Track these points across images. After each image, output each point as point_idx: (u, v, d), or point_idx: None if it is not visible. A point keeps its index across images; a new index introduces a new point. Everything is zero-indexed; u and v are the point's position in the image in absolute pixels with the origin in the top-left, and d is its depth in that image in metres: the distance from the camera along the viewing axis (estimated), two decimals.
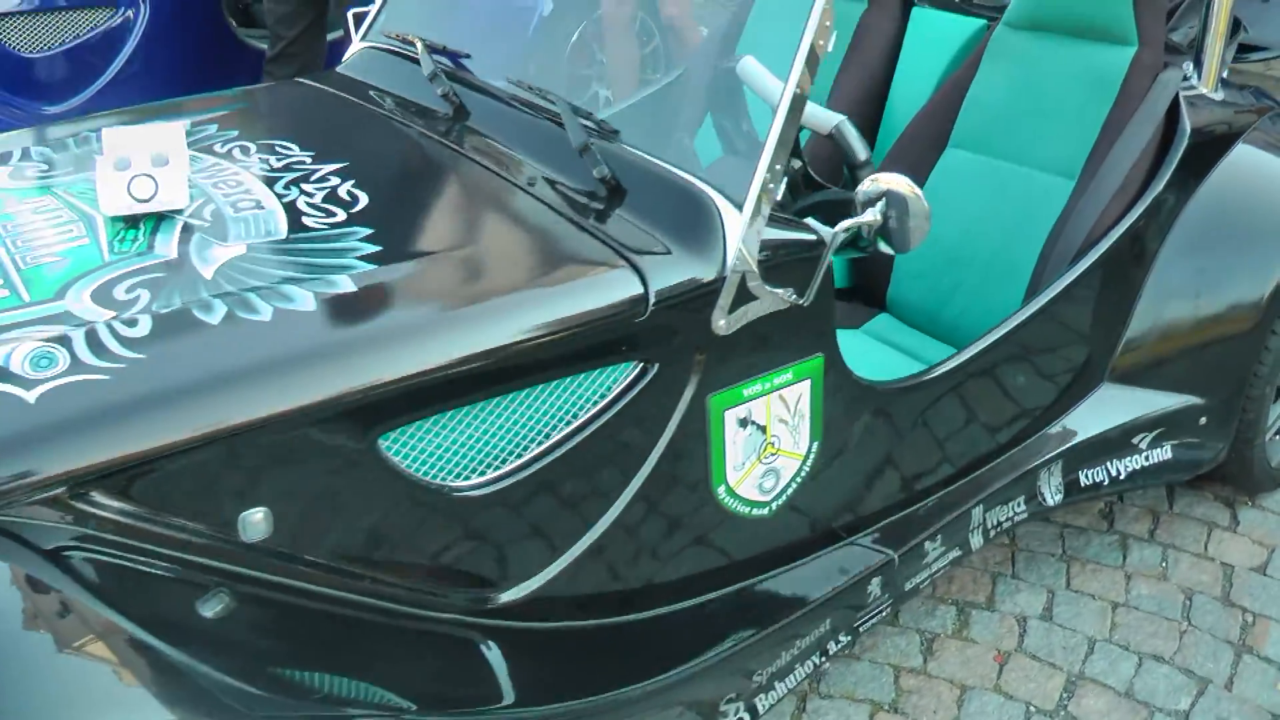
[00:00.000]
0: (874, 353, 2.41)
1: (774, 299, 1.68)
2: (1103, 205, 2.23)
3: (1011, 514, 2.19)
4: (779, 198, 1.68)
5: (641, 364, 1.63)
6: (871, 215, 1.68)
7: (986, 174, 2.45)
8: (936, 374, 2.00)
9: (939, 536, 2.04)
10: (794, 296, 1.69)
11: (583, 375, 1.60)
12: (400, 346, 1.47)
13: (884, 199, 1.67)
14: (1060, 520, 2.53)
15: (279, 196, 1.76)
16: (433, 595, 1.55)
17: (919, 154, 2.53)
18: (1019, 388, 2.19)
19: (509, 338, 1.52)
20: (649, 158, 1.78)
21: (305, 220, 1.69)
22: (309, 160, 1.88)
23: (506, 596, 1.62)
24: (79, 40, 3.25)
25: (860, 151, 1.84)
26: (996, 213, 2.42)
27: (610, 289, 1.59)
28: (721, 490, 1.75)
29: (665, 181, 1.74)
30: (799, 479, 1.84)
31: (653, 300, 1.60)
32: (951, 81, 2.55)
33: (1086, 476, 2.29)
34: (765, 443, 1.78)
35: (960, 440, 2.10)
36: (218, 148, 1.95)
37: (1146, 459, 2.36)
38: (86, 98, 3.28)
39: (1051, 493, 2.25)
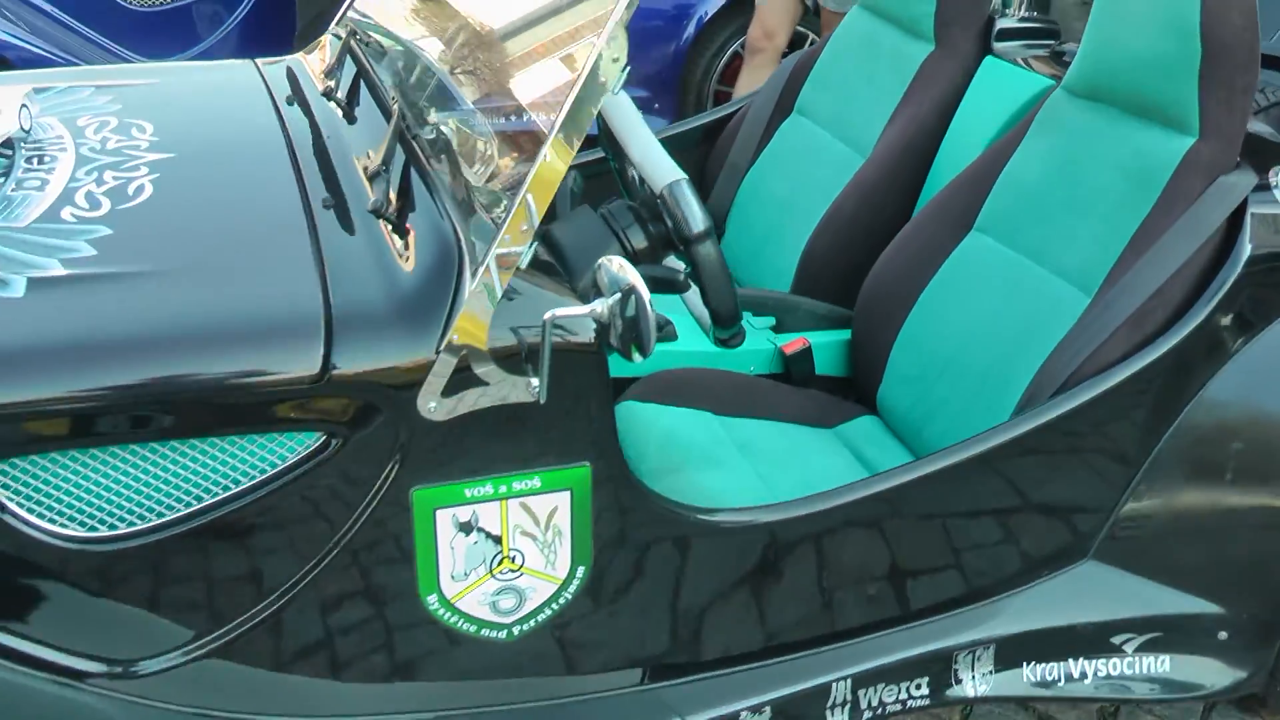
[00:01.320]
0: (833, 461, 2.00)
1: (509, 389, 1.38)
2: (1111, 329, 1.72)
3: (904, 696, 1.75)
4: (524, 263, 1.36)
5: (325, 437, 1.38)
6: (601, 306, 1.33)
7: (1004, 270, 1.98)
8: (815, 509, 1.60)
9: (767, 710, 1.64)
10: (539, 390, 1.37)
11: (250, 438, 1.36)
12: (26, 367, 1.31)
13: (627, 293, 1.32)
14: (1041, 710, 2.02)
15: (71, 180, 1.64)
16: (54, 658, 1.38)
17: (941, 232, 2.08)
18: (955, 543, 1.73)
19: (152, 379, 1.32)
20: (433, 193, 1.52)
21: (63, 211, 1.56)
22: (143, 147, 1.75)
23: (151, 665, 1.42)
24: None
25: (693, 221, 1.48)
26: (1003, 321, 1.94)
27: (288, 344, 1.35)
28: (432, 600, 1.46)
29: (431, 223, 1.47)
30: (557, 607, 1.52)
31: (335, 366, 1.34)
32: (993, 151, 2.07)
33: (1035, 671, 1.80)
34: (501, 556, 1.47)
35: (841, 595, 1.68)
36: (81, 120, 1.85)
37: (1131, 667, 1.82)
38: (196, 54, 3.37)
39: (976, 681, 1.77)
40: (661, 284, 1.52)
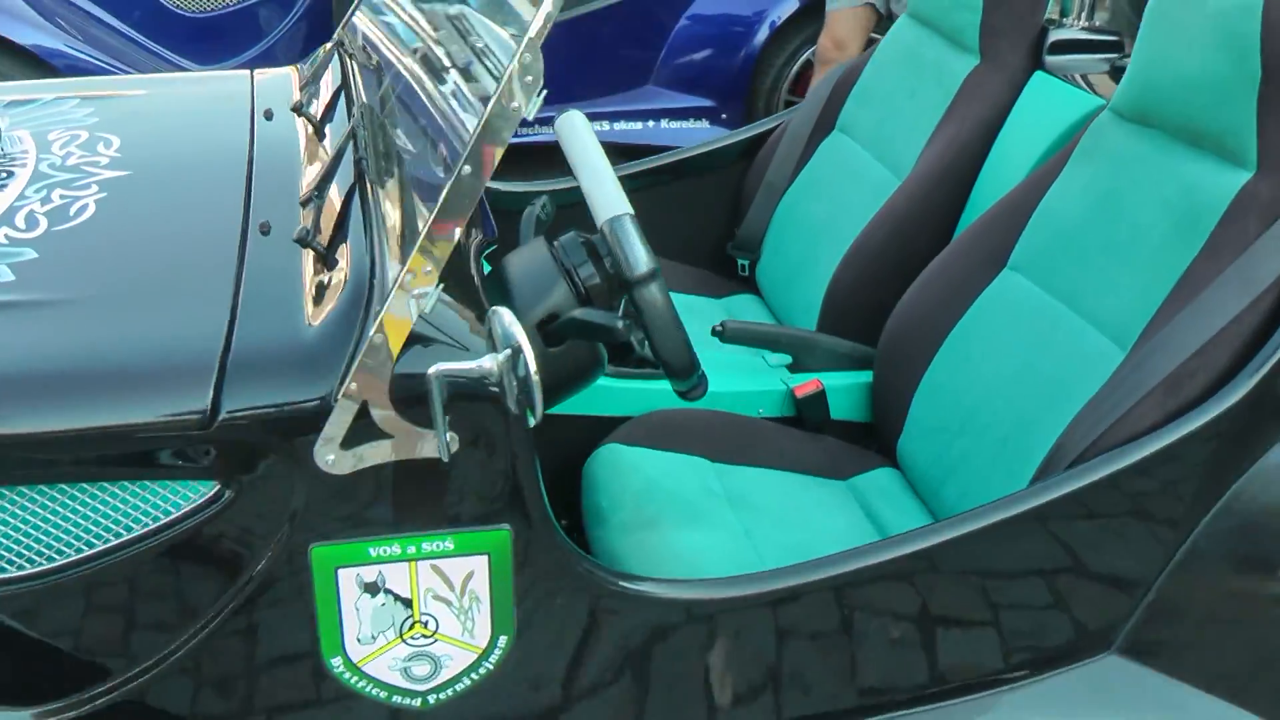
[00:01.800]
0: (839, 519, 1.82)
1: (416, 443, 1.24)
2: (1143, 392, 1.50)
3: None
4: (428, 307, 1.22)
5: (220, 487, 1.27)
6: (491, 363, 1.18)
7: (1037, 316, 1.76)
8: (770, 587, 1.43)
9: None
10: (450, 447, 1.24)
11: (142, 484, 1.26)
12: None
13: (515, 351, 1.17)
14: None
15: (19, 199, 1.57)
16: None
17: (972, 268, 1.88)
18: (952, 626, 1.53)
19: (37, 418, 1.23)
20: (367, 225, 1.40)
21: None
22: (102, 164, 1.68)
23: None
24: (244, 4, 3.30)
25: (635, 262, 1.33)
26: (1032, 372, 1.73)
27: (178, 385, 1.24)
28: (337, 663, 1.34)
29: (355, 257, 1.35)
30: (477, 677, 1.38)
31: (224, 410, 1.23)
32: (1033, 178, 1.86)
33: None
34: (411, 620, 1.34)
35: (804, 681, 1.50)
36: (52, 134, 1.80)
37: None
38: (248, 59, 3.34)
39: None
40: (596, 332, 1.37)
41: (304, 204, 1.43)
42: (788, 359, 2.07)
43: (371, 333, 1.20)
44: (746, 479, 1.86)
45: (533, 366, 1.14)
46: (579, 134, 1.49)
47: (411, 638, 1.34)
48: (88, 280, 1.41)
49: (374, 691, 1.36)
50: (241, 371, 1.25)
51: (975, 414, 1.80)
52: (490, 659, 1.37)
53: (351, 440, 1.24)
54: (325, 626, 1.32)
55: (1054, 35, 2.05)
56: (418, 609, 1.33)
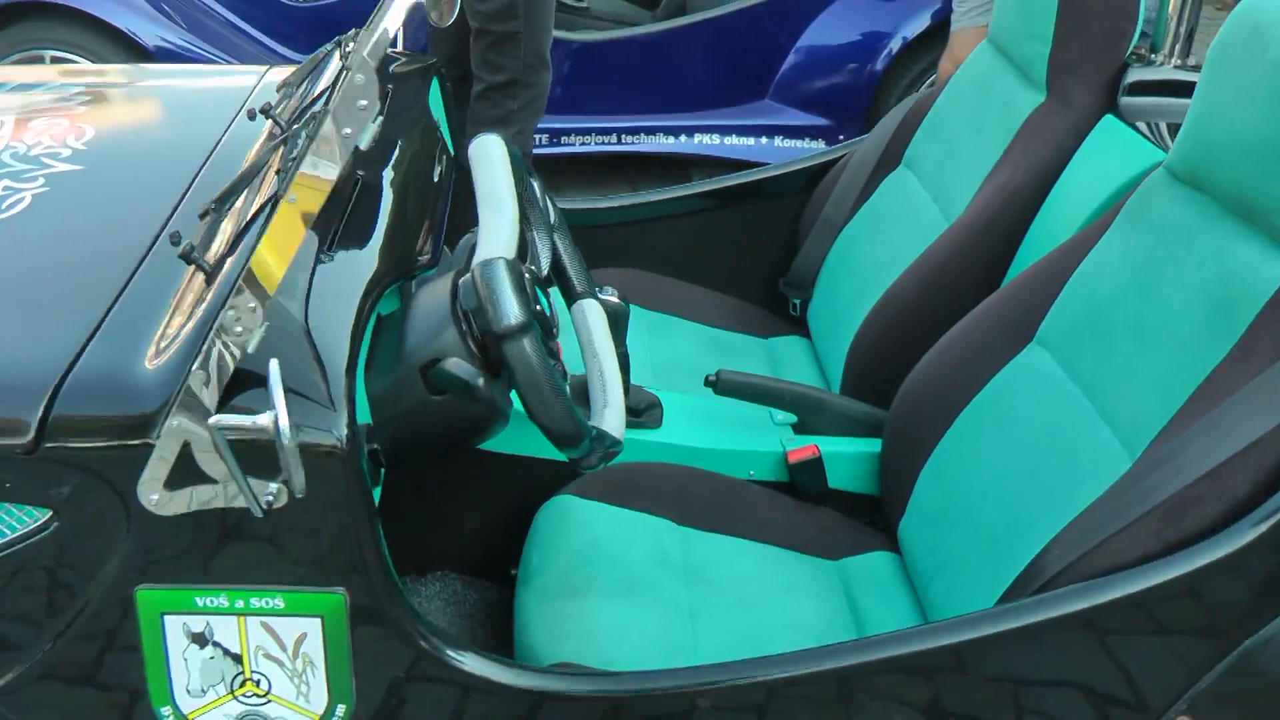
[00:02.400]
0: (813, 608, 1.61)
1: (234, 491, 1.14)
2: (1137, 514, 1.24)
3: None
4: (250, 347, 1.11)
5: (51, 514, 1.20)
6: (266, 420, 1.05)
7: (1055, 402, 1.51)
8: (644, 687, 1.26)
9: None
10: (269, 499, 1.13)
11: None
12: None
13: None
14: None
15: None
16: None
17: (997, 338, 1.64)
18: None
19: None
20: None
21: None
22: (62, 155, 1.64)
23: None
24: None
25: (502, 313, 1.18)
26: (1039, 467, 1.49)
27: (10, 404, 1.18)
28: (167, 712, 1.25)
29: (229, 277, 1.26)
30: None
31: (50, 436, 1.15)
32: (1075, 240, 1.60)
33: None
34: (242, 677, 1.24)
35: None
36: (33, 121, 1.77)
37: None
38: None
39: None
40: (459, 386, 1.23)
41: (201, 216, 1.35)
42: (793, 418, 1.87)
43: (193, 368, 1.11)
44: (715, 549, 1.68)
45: (285, 432, 1.01)
46: (491, 163, 1.34)
47: (243, 695, 1.24)
48: None
49: None
50: (76, 396, 1.17)
51: (975, 506, 1.56)
52: None
53: (176, 481, 1.15)
54: (153, 673, 1.23)
55: (1135, 74, 1.77)
56: (248, 666, 1.23)
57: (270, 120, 1.66)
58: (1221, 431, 1.22)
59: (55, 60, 3.09)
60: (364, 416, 1.27)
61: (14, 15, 3.21)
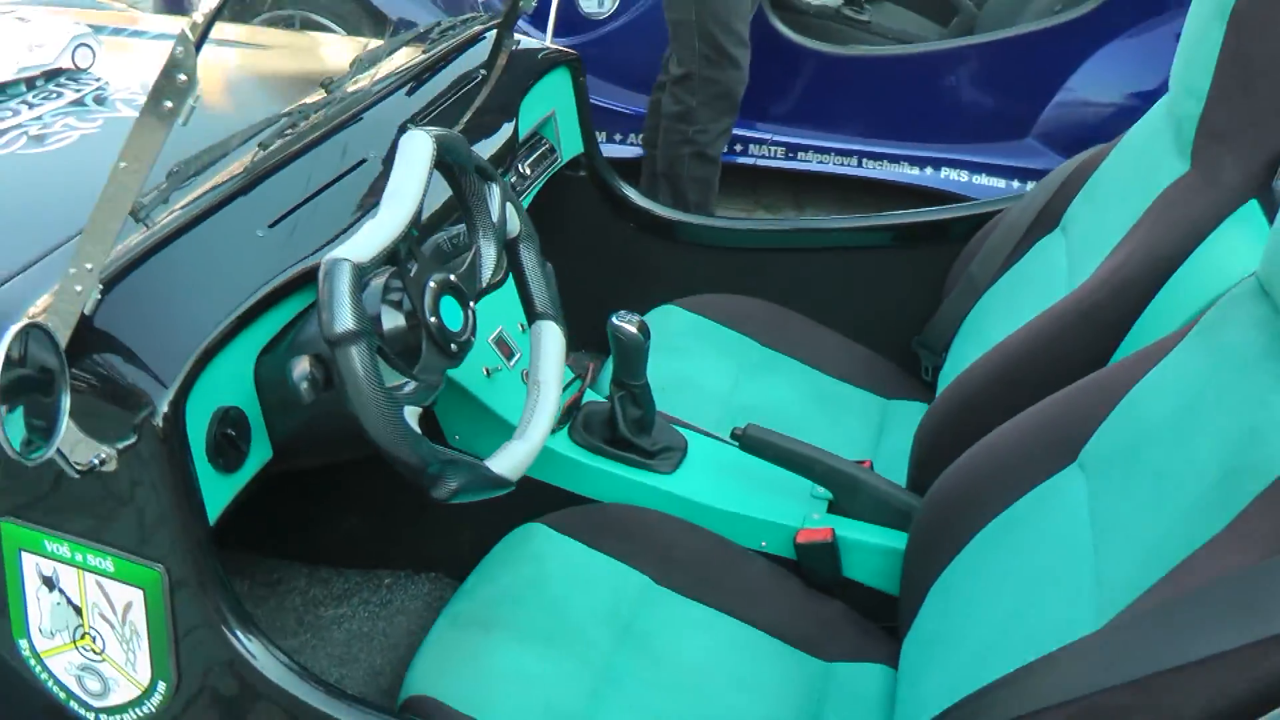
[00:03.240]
0: (769, 710, 1.42)
1: (75, 443, 1.14)
2: (1055, 701, 0.97)
3: None
4: (83, 307, 1.09)
5: None
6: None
7: (1070, 540, 1.22)
8: None
9: None
10: (95, 460, 1.12)
11: None
12: None
13: None
14: None
15: (29, 119, 1.66)
16: None
17: (1041, 450, 1.35)
18: None
19: None
20: None
21: None
22: (135, 104, 1.73)
23: None
24: None
25: (333, 317, 1.11)
26: (1024, 615, 1.21)
27: None
28: (24, 646, 1.28)
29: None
30: (140, 714, 1.25)
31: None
32: (1146, 351, 1.28)
33: None
34: (82, 630, 1.24)
35: None
36: (132, 70, 1.88)
37: None
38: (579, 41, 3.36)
39: None
40: (287, 387, 1.16)
41: (167, 175, 1.36)
42: (830, 496, 1.64)
43: (32, 311, 1.12)
44: (681, 618, 1.50)
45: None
46: (406, 162, 1.25)
47: (83, 648, 1.25)
48: None
49: (55, 690, 1.29)
50: None
51: (960, 642, 1.30)
52: (151, 701, 1.24)
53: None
54: (13, 605, 1.27)
55: None
56: (86, 620, 1.24)
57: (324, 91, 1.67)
58: (1201, 621, 0.92)
59: (305, 25, 3.32)
60: (237, 399, 1.24)
61: None
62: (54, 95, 1.76)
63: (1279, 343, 1.05)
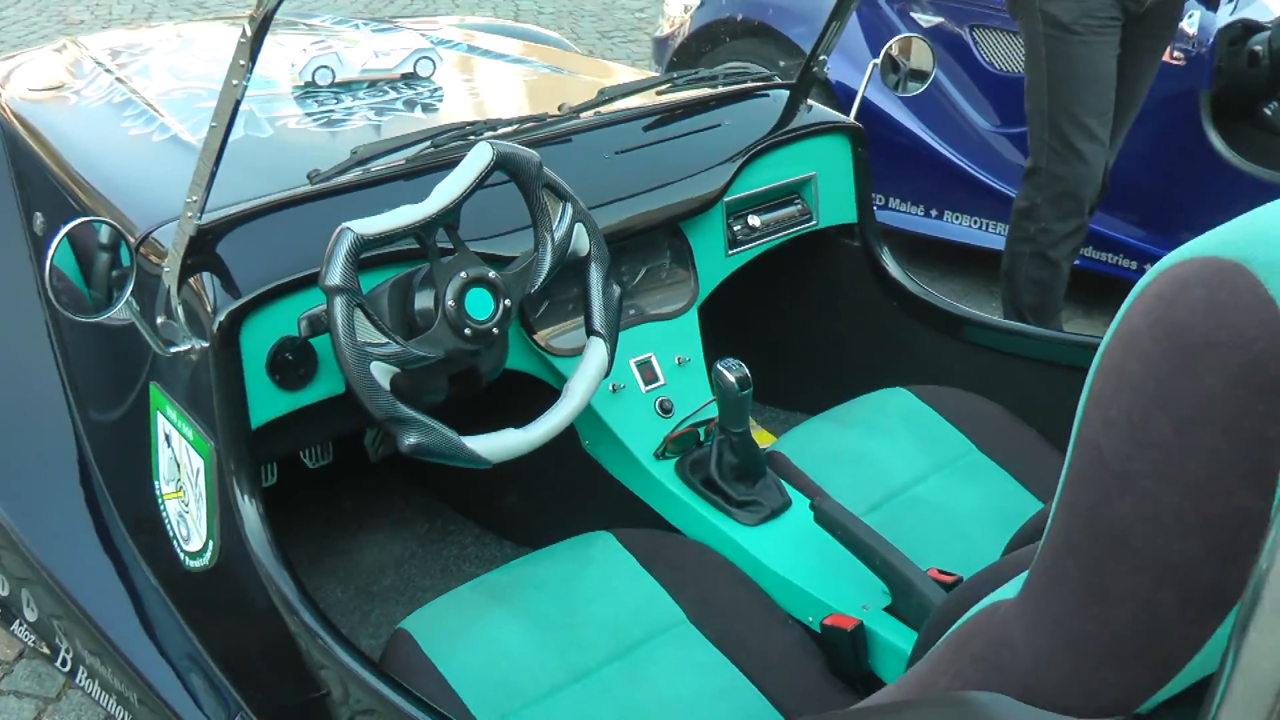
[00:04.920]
0: None
1: (179, 333, 1.43)
2: None
3: None
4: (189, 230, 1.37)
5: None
6: None
7: None
8: None
9: None
10: (188, 344, 1.42)
11: None
12: None
13: None
14: None
15: (372, 105, 2.04)
16: None
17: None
18: None
19: None
20: None
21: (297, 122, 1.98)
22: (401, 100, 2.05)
23: None
24: None
25: (327, 271, 1.32)
26: None
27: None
28: (157, 487, 1.61)
29: None
30: (200, 564, 1.52)
31: (140, 252, 1.55)
32: None
33: None
34: (179, 484, 1.54)
35: None
36: (439, 80, 2.19)
37: None
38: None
39: None
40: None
41: (352, 152, 1.63)
42: (887, 592, 1.54)
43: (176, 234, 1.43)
44: (689, 657, 1.50)
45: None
46: (464, 166, 1.41)
47: (180, 499, 1.56)
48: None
49: (169, 528, 1.61)
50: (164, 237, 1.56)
51: None
52: (205, 555, 1.51)
53: (173, 307, 1.49)
54: (152, 454, 1.61)
55: None
56: (182, 474, 1.54)
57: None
58: None
59: None
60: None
61: (732, 33, 3.76)
62: (384, 92, 2.13)
63: None
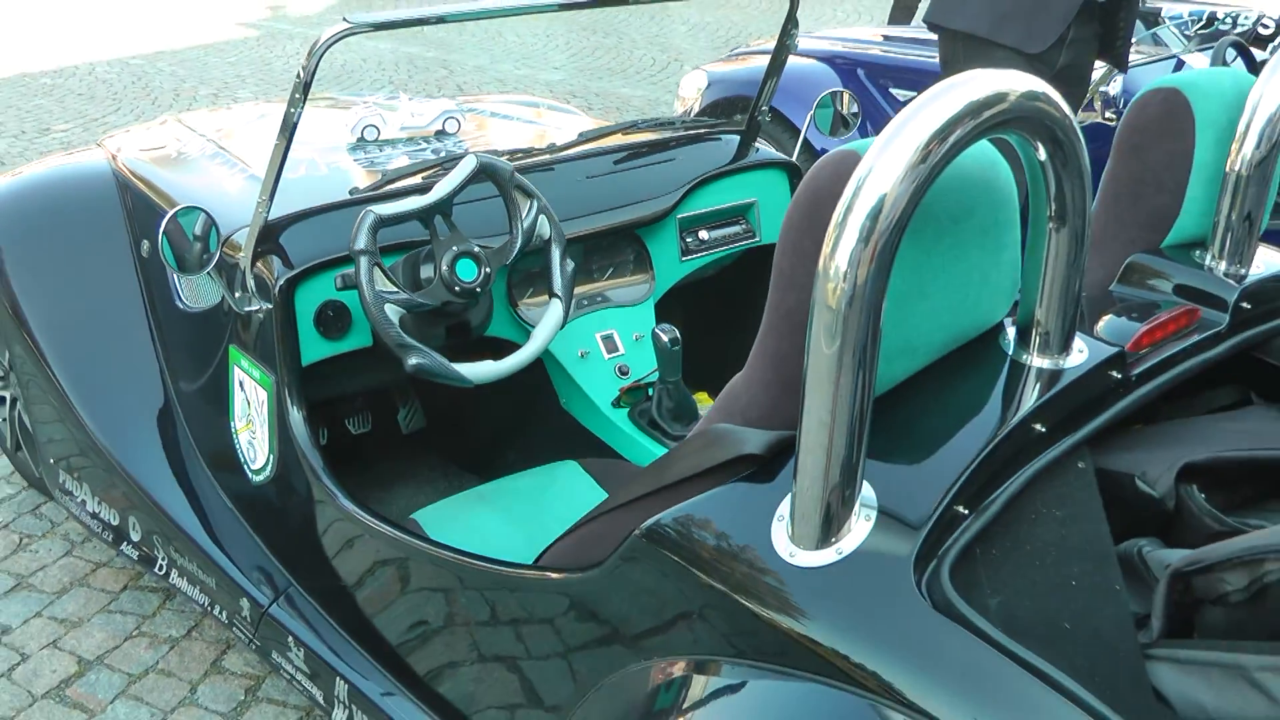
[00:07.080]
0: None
1: (252, 299, 1.97)
2: None
3: None
4: (259, 222, 1.92)
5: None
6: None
7: None
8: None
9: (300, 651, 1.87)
10: (255, 304, 1.95)
11: None
12: None
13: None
14: None
15: (379, 155, 2.61)
16: None
17: None
18: None
19: None
20: None
21: (337, 162, 2.55)
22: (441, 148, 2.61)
23: None
24: None
25: (354, 240, 1.87)
26: None
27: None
28: (233, 426, 2.14)
29: None
30: (262, 479, 2.03)
31: (217, 238, 2.09)
32: None
33: None
34: (248, 417, 2.06)
35: None
36: (459, 133, 2.75)
37: None
38: None
39: None
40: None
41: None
42: None
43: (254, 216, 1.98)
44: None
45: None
46: (455, 171, 1.94)
47: (249, 430, 2.08)
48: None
49: (241, 455, 2.13)
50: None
51: None
52: (269, 469, 2.03)
53: (246, 284, 2.03)
54: (229, 400, 2.14)
55: None
56: (251, 409, 2.06)
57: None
58: None
59: None
60: (342, 297, 1.99)
61: (735, 109, 4.34)
62: (419, 144, 2.69)
63: None
